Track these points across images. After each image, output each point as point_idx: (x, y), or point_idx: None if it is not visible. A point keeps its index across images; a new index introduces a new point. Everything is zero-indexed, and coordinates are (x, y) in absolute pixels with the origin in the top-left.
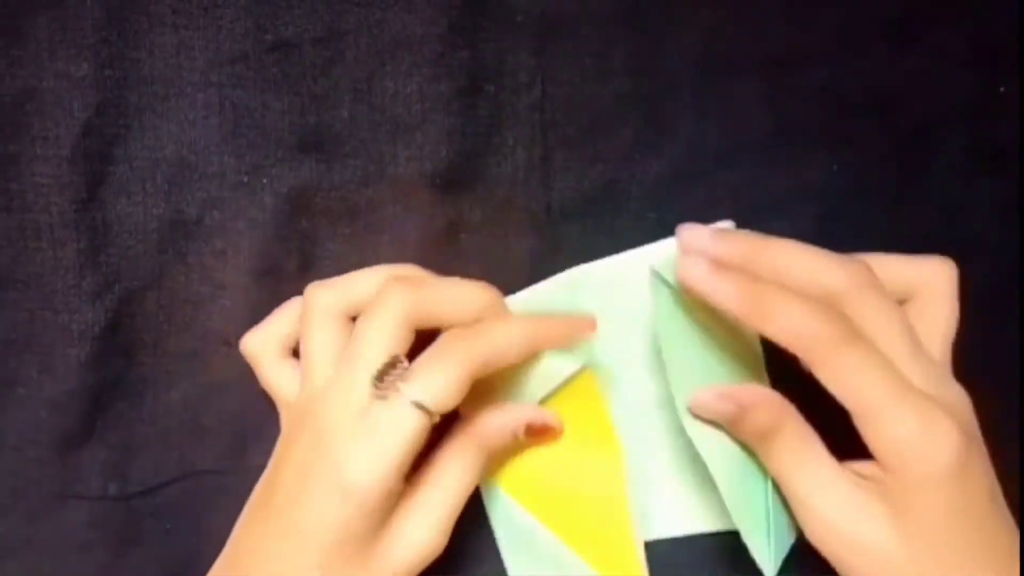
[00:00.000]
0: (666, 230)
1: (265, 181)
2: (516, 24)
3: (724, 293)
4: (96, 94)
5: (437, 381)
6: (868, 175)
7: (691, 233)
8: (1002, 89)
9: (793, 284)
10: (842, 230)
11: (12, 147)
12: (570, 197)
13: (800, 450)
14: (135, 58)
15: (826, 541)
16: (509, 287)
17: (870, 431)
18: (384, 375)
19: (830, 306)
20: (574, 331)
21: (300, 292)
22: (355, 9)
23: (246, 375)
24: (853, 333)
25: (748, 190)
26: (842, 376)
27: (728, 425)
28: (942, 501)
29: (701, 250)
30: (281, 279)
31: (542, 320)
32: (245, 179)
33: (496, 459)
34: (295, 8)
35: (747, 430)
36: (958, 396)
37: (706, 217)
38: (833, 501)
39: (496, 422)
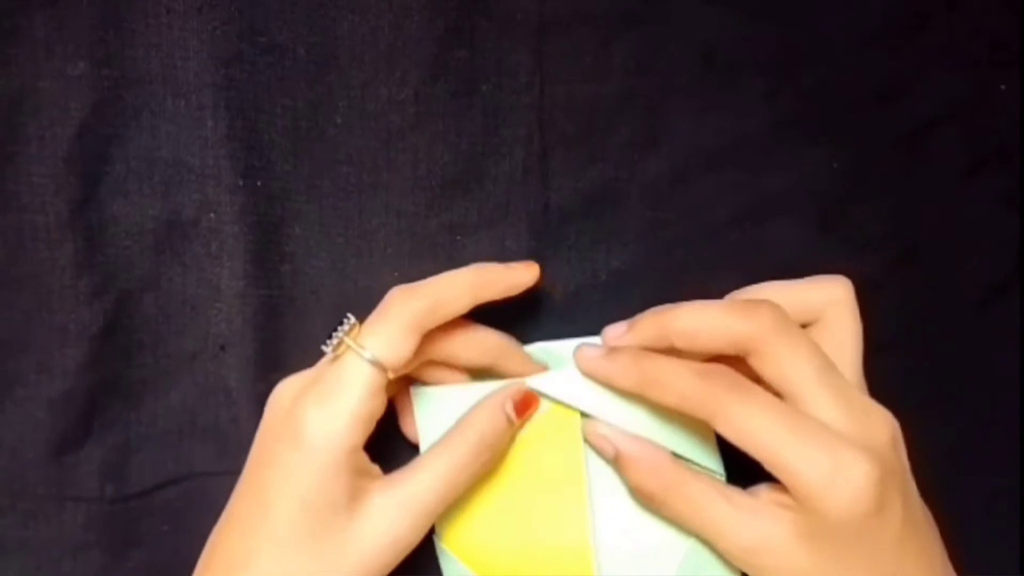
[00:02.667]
0: (665, 229)
1: (259, 184)
2: (515, 23)
3: (617, 374)
4: (92, 94)
5: (386, 335)
6: (868, 173)
7: (608, 331)
8: (1003, 87)
9: (705, 344)
10: (841, 228)
11: (8, 147)
12: (568, 197)
13: (694, 499)
14: (131, 58)
15: (745, 568)
16: None
17: (781, 476)
18: (333, 335)
19: (713, 364)
20: (516, 277)
21: (296, 298)
22: (349, 13)
23: (244, 377)
24: (739, 384)
25: (747, 189)
26: (738, 427)
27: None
28: (858, 536)
29: (615, 343)
30: (275, 284)
31: (484, 269)
32: (240, 182)
33: (454, 523)
34: (288, 11)
35: (632, 483)
36: (878, 423)
37: (705, 216)
38: (740, 540)
39: (487, 410)
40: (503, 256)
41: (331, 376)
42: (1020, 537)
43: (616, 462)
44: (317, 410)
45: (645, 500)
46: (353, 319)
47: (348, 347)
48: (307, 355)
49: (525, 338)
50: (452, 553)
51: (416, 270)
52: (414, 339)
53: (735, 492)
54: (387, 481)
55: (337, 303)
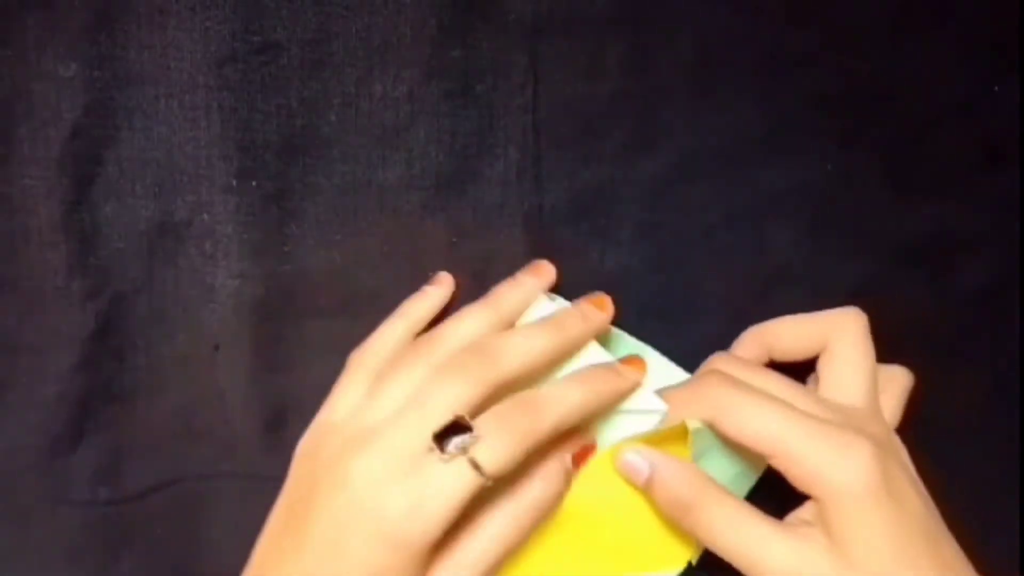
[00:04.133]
0: (660, 230)
1: (254, 184)
2: (508, 24)
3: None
4: (85, 95)
5: (500, 450)
6: (864, 175)
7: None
8: (996, 88)
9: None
10: (837, 230)
11: (1, 149)
12: (563, 198)
13: (729, 515)
14: (124, 59)
15: None
16: None
17: (790, 470)
18: (445, 436)
19: (707, 370)
20: (627, 384)
21: (290, 299)
22: (343, 12)
23: (237, 379)
24: (737, 384)
25: (742, 190)
26: (741, 425)
27: (644, 489)
28: (877, 521)
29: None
30: (271, 284)
31: (597, 380)
32: (234, 182)
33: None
34: (283, 10)
35: (662, 500)
36: (879, 428)
37: (700, 217)
38: (775, 554)
39: (547, 472)
40: (498, 258)
41: (433, 474)
42: (1020, 537)
43: (648, 482)
44: (413, 511)
45: (677, 514)
46: (468, 422)
47: (465, 459)
48: (302, 356)
49: None
50: None
51: (413, 270)
52: (525, 456)
53: (763, 515)
54: (447, 546)
55: (335, 302)
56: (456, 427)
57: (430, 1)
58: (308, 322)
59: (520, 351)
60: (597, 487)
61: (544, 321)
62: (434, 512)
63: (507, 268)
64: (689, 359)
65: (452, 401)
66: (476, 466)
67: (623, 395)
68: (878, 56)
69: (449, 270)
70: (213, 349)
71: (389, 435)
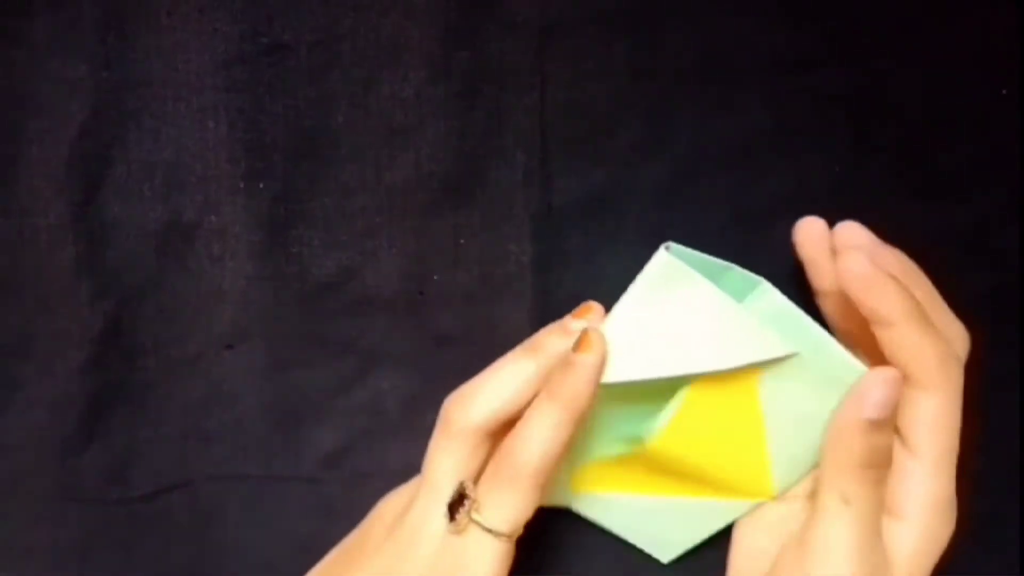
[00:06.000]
0: (668, 232)
1: (262, 186)
2: (516, 25)
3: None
4: (93, 96)
5: (508, 508)
6: (870, 177)
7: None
8: (1004, 91)
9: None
10: None
11: (9, 150)
12: (571, 200)
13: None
14: (132, 60)
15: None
16: (510, 292)
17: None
18: (456, 508)
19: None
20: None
21: (299, 298)
22: (351, 12)
23: (247, 380)
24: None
25: (749, 192)
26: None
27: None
28: (854, 543)
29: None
30: (280, 285)
31: (567, 400)
32: (242, 184)
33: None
34: (291, 11)
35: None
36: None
37: (708, 218)
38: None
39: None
40: (506, 259)
41: (462, 554)
42: (1020, 537)
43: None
44: None
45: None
46: (472, 487)
47: (474, 523)
48: (311, 357)
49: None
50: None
51: (421, 271)
52: (536, 502)
53: None
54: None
55: (343, 303)
56: (463, 495)
57: (438, 2)
58: (316, 323)
59: (495, 392)
60: (698, 415)
61: (519, 349)
62: None
63: (515, 270)
64: None
65: (447, 467)
66: (495, 533)
67: (591, 387)
68: (885, 58)
69: (456, 272)
70: (223, 350)
71: (417, 513)
